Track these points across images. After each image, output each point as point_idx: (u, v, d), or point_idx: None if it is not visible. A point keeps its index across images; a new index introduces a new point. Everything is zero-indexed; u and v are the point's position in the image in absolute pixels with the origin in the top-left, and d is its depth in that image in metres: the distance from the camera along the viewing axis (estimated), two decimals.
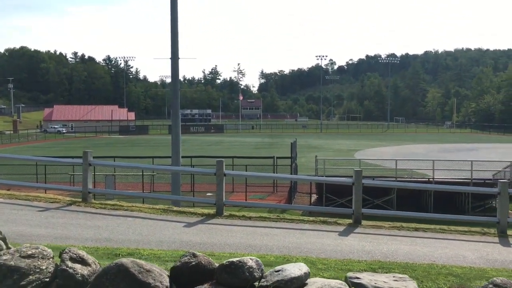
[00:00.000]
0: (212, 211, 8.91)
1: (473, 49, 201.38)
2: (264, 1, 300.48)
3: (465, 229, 8.36)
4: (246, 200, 22.43)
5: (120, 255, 5.81)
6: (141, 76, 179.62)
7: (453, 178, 21.42)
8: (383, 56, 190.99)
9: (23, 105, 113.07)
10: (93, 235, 6.88)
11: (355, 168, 8.70)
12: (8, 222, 7.25)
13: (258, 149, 54.61)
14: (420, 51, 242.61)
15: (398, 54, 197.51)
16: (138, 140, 71.29)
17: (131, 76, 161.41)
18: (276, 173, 25.38)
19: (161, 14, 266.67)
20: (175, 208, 8.97)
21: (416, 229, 8.20)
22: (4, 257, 2.54)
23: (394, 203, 20.83)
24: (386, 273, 5.24)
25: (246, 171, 24.77)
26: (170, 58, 19.72)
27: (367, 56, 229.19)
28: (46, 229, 7.07)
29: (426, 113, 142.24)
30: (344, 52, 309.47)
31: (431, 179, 21.07)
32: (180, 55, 20.18)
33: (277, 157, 26.50)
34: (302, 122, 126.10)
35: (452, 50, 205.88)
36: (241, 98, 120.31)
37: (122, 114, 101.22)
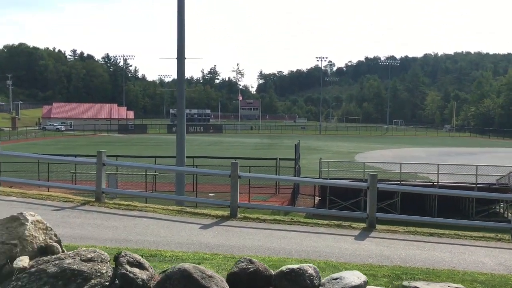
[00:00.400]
0: (226, 212, 8.93)
1: (473, 52, 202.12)
2: (263, 1, 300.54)
3: (479, 234, 8.41)
4: (249, 201, 22.46)
5: (143, 257, 5.82)
6: (139, 75, 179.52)
7: (457, 183, 21.50)
8: (382, 58, 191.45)
9: (21, 102, 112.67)
10: (111, 235, 6.89)
11: (370, 172, 8.74)
12: None
13: (258, 150, 54.64)
14: (419, 54, 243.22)
15: (398, 56, 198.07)
16: (137, 139, 71.23)
17: (129, 75, 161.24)
18: (279, 174, 25.42)
19: (161, 12, 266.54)
20: (188, 209, 9.00)
21: (431, 234, 8.24)
22: (67, 261, 2.55)
23: (398, 206, 20.88)
24: (410, 279, 5.28)
25: (250, 172, 24.87)
26: (176, 58, 19.77)
27: (366, 58, 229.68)
28: (64, 229, 7.07)
29: (425, 116, 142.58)
30: (343, 53, 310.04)
31: (435, 183, 21.14)
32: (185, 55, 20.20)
33: (280, 159, 26.51)
34: (300, 123, 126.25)
35: (452, 53, 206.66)
36: (240, 98, 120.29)
37: (121, 112, 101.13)
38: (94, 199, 9.22)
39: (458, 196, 19.21)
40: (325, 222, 8.75)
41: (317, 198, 24.60)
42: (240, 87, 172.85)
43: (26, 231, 2.71)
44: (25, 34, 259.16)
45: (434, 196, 20.47)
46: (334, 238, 7.66)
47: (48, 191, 15.09)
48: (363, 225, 8.66)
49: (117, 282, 2.58)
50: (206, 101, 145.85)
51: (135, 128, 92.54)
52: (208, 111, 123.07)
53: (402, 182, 20.32)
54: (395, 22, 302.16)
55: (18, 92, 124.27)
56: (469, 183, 21.26)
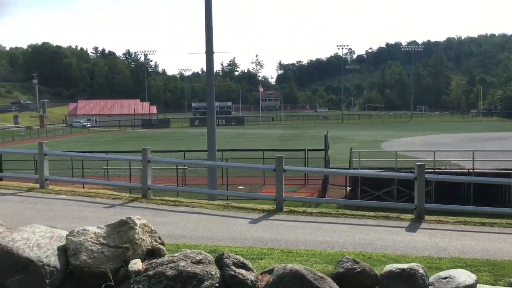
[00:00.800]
0: (271, 206, 8.98)
1: (497, 34, 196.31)
2: None
3: None
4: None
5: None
6: (159, 69, 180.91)
7: (493, 169, 21.04)
8: (404, 44, 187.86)
9: (47, 100, 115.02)
10: (166, 232, 6.98)
11: (417, 163, 8.63)
12: (82, 220, 7.44)
13: (282, 141, 54.48)
14: (442, 38, 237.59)
15: (420, 41, 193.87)
16: (161, 134, 71.98)
17: (150, 70, 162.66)
18: (307, 165, 25.34)
19: (182, 7, 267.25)
20: (233, 204, 9.07)
21: (482, 224, 8.11)
22: (182, 264, 2.60)
23: (433, 195, 20.58)
24: (477, 271, 5.22)
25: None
26: (205, 53, 19.82)
27: (387, 44, 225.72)
28: None
29: (450, 101, 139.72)
30: (363, 40, 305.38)
31: (471, 170, 20.72)
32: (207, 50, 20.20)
33: (308, 150, 26.40)
34: (322, 112, 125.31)
35: (476, 36, 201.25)
36: (261, 90, 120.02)
37: (144, 108, 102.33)
38: (140, 196, 9.39)
39: (496, 183, 18.78)
40: (372, 214, 8.71)
41: (347, 189, 24.45)
42: (260, 78, 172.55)
43: (136, 235, 2.77)
44: (48, 33, 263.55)
45: (469, 184, 20.08)
46: (385, 230, 7.61)
47: (83, 188, 15.39)
48: (410, 216, 8.57)
49: (222, 283, 2.61)
50: (226, 94, 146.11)
51: (159, 123, 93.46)
52: (229, 103, 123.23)
53: (436, 170, 19.98)
54: (416, 6, 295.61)
55: (44, 90, 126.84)
56: (506, 169, 20.77)
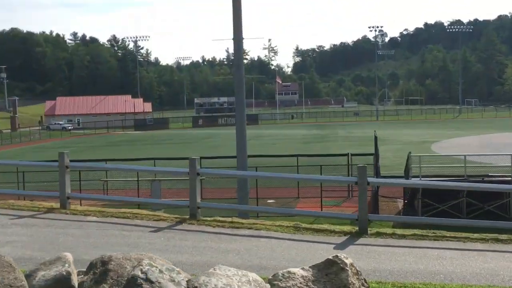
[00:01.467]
0: (351, 228, 8.90)
1: None
2: None
3: None
4: (321, 208, 22.44)
5: None
6: (152, 58, 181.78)
7: None
8: (446, 24, 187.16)
9: (18, 97, 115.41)
10: (241, 262, 6.93)
11: None
12: (132, 248, 7.41)
13: (308, 143, 54.39)
14: (492, 16, 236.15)
15: (465, 20, 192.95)
16: (160, 136, 72.15)
17: (141, 59, 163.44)
18: (351, 174, 25.20)
19: None
20: (304, 225, 8.99)
21: None
22: None
23: (509, 207, 20.46)
24: None
25: (321, 173, 24.89)
26: (233, 39, 19.84)
27: (425, 25, 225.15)
28: (181, 255, 7.19)
29: (505, 92, 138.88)
30: (396, 20, 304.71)
31: None
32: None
33: (352, 154, 26.33)
34: (351, 108, 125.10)
35: None
36: (279, 81, 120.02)
37: (137, 105, 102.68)
38: (188, 216, 9.35)
39: None
40: (476, 235, 8.60)
41: (398, 200, 24.35)
42: (273, 67, 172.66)
43: (349, 278, 2.72)
44: (17, 17, 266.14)
45: None
46: (503, 257, 7.52)
47: (80, 205, 15.34)
48: None
49: None
50: (233, 87, 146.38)
51: (154, 123, 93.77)
52: None
53: None
54: None
55: (13, 85, 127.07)
56: None
